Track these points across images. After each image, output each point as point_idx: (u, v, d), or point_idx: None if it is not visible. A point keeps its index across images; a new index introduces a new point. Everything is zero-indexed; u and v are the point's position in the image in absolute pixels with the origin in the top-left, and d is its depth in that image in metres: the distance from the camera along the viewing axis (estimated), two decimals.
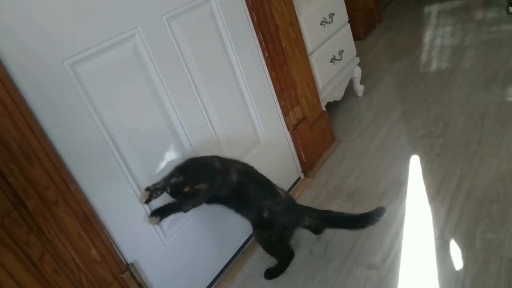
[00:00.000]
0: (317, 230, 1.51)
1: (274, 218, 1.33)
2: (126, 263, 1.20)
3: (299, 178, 1.87)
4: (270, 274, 1.42)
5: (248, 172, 1.34)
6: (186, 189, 1.15)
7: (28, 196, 0.96)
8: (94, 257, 1.10)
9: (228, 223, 1.51)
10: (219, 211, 1.46)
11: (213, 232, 1.47)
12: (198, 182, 1.16)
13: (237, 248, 1.57)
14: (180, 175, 1.17)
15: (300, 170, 1.87)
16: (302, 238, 1.54)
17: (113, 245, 1.15)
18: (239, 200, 1.31)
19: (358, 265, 1.36)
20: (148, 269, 1.25)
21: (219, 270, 1.50)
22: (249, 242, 1.61)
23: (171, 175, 1.19)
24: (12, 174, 0.93)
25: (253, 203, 1.32)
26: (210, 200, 1.29)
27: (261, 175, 1.37)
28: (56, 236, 1.02)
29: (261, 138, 1.64)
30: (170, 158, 1.30)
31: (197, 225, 1.40)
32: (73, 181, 1.05)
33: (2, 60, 0.91)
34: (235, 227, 1.55)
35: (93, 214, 1.10)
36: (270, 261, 1.48)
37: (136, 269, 1.21)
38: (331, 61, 2.07)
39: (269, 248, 1.41)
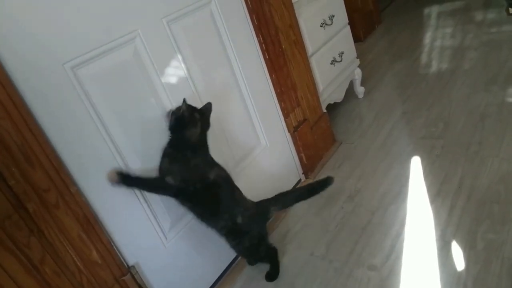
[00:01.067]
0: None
1: (249, 223, 1.30)
2: (127, 265, 1.20)
3: (300, 180, 1.87)
4: (270, 276, 1.43)
5: (225, 178, 1.28)
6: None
7: (28, 198, 0.96)
8: (95, 260, 1.10)
9: None
10: None
11: (214, 235, 1.46)
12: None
13: None
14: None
15: (301, 171, 1.87)
16: (304, 239, 1.54)
17: (114, 247, 1.16)
18: (212, 203, 1.23)
19: (360, 266, 1.36)
20: (149, 272, 1.25)
21: (220, 272, 1.50)
22: None
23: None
24: (13, 176, 0.93)
25: (225, 209, 1.25)
26: (183, 193, 1.19)
27: (233, 183, 1.30)
28: (56, 239, 1.02)
29: (261, 140, 1.64)
30: None
31: (197, 228, 1.39)
32: (74, 184, 1.05)
33: (2, 63, 0.92)
34: None
35: (94, 216, 1.10)
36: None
37: (137, 271, 1.21)
38: (331, 63, 2.08)
39: (254, 254, 1.41)
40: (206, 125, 1.22)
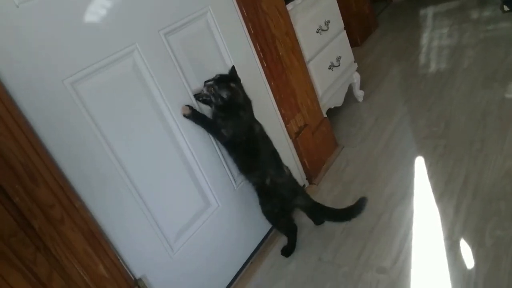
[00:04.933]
0: (316, 219, 1.61)
1: (275, 188, 1.42)
2: (134, 278, 1.19)
3: (303, 186, 1.86)
4: (286, 251, 1.53)
5: (265, 138, 1.43)
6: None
7: (33, 215, 0.96)
8: (102, 274, 1.10)
9: (234, 235, 1.51)
10: (225, 224, 1.47)
11: (220, 244, 1.46)
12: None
13: (245, 259, 1.56)
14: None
15: (305, 177, 1.87)
16: (310, 245, 1.53)
17: (120, 261, 1.15)
18: (249, 156, 1.39)
19: (368, 269, 1.35)
20: (157, 284, 1.25)
21: (228, 282, 1.49)
22: (257, 253, 1.60)
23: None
24: (17, 194, 0.94)
25: (259, 166, 1.40)
26: (229, 142, 1.37)
27: (274, 148, 1.46)
28: (63, 254, 1.02)
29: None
30: (173, 170, 1.30)
31: (203, 238, 1.39)
32: (78, 199, 1.06)
33: (2, 81, 0.93)
34: (242, 238, 1.54)
35: (99, 230, 1.10)
36: (280, 270, 1.47)
37: (144, 284, 1.21)
38: (329, 68, 2.08)
39: (273, 220, 1.53)
40: (241, 85, 1.36)
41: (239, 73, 1.48)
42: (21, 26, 0.97)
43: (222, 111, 1.33)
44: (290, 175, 1.50)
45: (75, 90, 1.06)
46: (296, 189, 1.50)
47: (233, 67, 1.38)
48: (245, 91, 1.37)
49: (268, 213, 1.49)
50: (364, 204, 1.40)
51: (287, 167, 1.49)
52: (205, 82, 1.32)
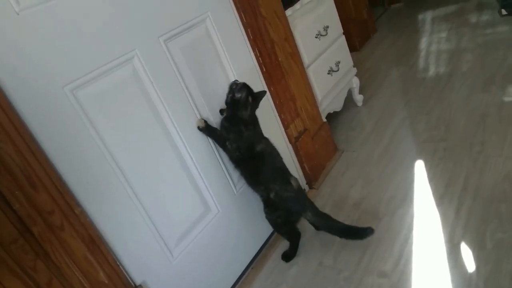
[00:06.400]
0: (317, 226, 1.59)
1: (279, 202, 1.43)
2: (135, 284, 1.19)
3: (304, 190, 1.86)
4: (287, 256, 1.53)
5: (271, 155, 1.44)
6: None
7: (33, 222, 0.96)
8: (102, 280, 1.09)
9: (234, 240, 1.51)
10: (225, 229, 1.46)
11: (221, 249, 1.46)
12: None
13: (246, 264, 1.56)
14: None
15: (305, 182, 1.87)
16: (311, 250, 1.53)
17: (121, 267, 1.15)
18: (252, 172, 1.42)
19: (369, 274, 1.35)
20: None
21: (229, 287, 1.48)
22: (257, 258, 1.60)
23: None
24: (17, 200, 0.94)
25: (262, 182, 1.42)
26: (234, 157, 1.41)
27: (281, 162, 1.47)
28: (63, 261, 1.02)
29: None
30: (173, 176, 1.31)
31: (203, 244, 1.39)
32: (78, 205, 1.06)
33: (2, 88, 0.93)
34: (243, 243, 1.54)
35: (99, 236, 1.10)
36: (281, 275, 1.47)
37: None
38: (328, 73, 2.09)
39: (276, 228, 1.55)
40: (255, 107, 1.41)
41: (239, 78, 1.49)
42: (21, 33, 0.97)
43: (227, 120, 1.39)
44: (299, 189, 1.47)
45: (75, 97, 1.07)
46: (304, 204, 1.46)
47: (264, 92, 1.44)
48: (255, 112, 1.41)
49: (271, 221, 1.51)
50: (370, 234, 1.37)
51: (296, 180, 1.47)
52: (235, 80, 1.41)
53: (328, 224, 1.45)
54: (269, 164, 1.42)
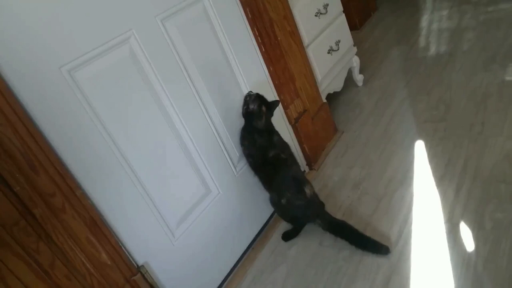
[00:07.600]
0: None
1: (290, 207, 1.47)
2: (137, 265, 1.20)
3: (304, 172, 1.86)
4: (287, 236, 1.56)
5: (284, 161, 1.46)
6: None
7: (35, 204, 0.96)
8: (105, 261, 1.10)
9: (235, 221, 1.51)
10: (226, 210, 1.47)
11: (221, 230, 1.47)
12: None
13: (247, 245, 1.57)
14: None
15: (305, 163, 1.87)
16: (311, 230, 1.54)
17: (123, 248, 1.16)
18: (267, 178, 1.47)
19: (369, 253, 1.36)
20: (159, 270, 1.26)
21: (230, 267, 1.50)
22: (258, 238, 1.61)
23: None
24: (18, 183, 0.93)
25: (275, 188, 1.47)
26: (252, 164, 1.48)
27: (297, 171, 1.51)
28: (65, 242, 1.02)
29: None
30: (173, 157, 1.30)
31: (204, 225, 1.40)
32: (79, 187, 1.05)
33: (0, 71, 0.92)
34: (243, 224, 1.55)
35: (101, 218, 1.10)
36: (281, 255, 1.48)
37: (147, 270, 1.22)
38: (328, 52, 2.06)
39: (282, 217, 1.60)
40: (270, 115, 1.46)
41: (238, 59, 1.47)
42: (17, 14, 0.95)
43: (244, 129, 1.46)
44: (313, 196, 1.47)
45: (72, 78, 1.05)
46: (316, 211, 1.47)
47: (277, 102, 1.49)
48: (270, 120, 1.46)
49: (279, 215, 1.60)
50: (384, 252, 1.32)
51: (311, 187, 1.47)
52: (249, 91, 1.45)
53: (341, 234, 1.42)
54: (282, 172, 1.44)
